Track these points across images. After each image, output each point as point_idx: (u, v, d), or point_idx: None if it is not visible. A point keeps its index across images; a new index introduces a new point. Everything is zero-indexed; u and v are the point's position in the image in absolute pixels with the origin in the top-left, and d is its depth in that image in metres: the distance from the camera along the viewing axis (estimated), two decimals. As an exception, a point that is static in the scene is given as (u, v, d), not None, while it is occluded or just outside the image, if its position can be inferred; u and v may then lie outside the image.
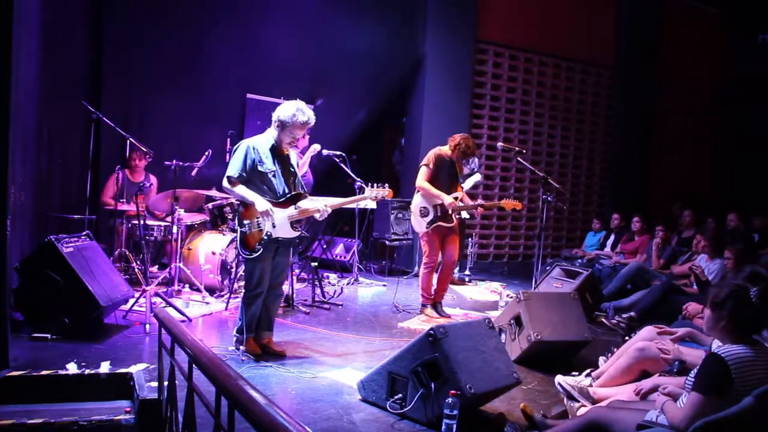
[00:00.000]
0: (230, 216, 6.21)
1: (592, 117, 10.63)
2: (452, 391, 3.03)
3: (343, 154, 7.12)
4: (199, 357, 2.04)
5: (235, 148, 4.39)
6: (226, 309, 5.60)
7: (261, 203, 4.17)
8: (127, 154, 6.42)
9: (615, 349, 3.94)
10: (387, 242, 8.11)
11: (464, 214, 7.13)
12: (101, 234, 6.39)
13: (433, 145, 5.96)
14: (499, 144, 6.56)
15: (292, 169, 4.43)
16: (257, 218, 4.21)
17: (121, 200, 6.02)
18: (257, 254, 4.22)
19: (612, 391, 3.40)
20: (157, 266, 6.60)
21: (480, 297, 7.11)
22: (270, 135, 4.35)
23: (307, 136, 7.46)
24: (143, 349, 4.41)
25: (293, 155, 4.53)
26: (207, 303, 5.73)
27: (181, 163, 5.80)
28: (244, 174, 4.22)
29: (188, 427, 2.25)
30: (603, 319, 5.95)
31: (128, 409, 2.99)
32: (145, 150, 6.20)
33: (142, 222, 5.82)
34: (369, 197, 4.70)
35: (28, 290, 4.48)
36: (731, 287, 2.71)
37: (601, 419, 2.72)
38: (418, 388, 3.32)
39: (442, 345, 3.27)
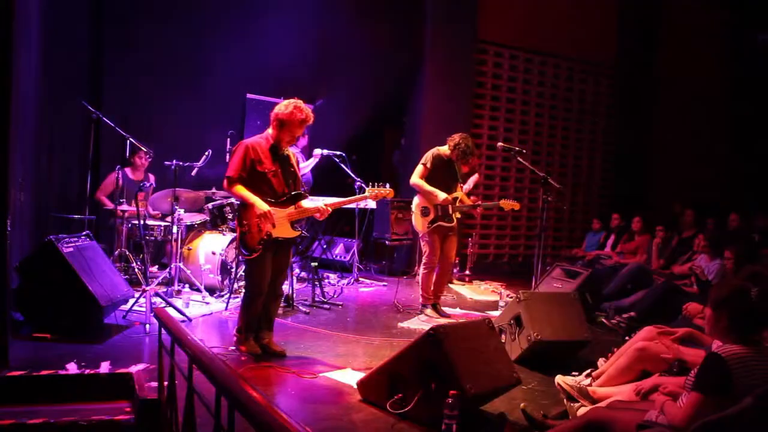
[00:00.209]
0: (230, 216, 6.22)
1: (592, 117, 10.63)
2: (452, 391, 3.03)
3: (343, 154, 7.12)
4: (199, 357, 2.04)
5: (234, 148, 4.40)
6: (226, 309, 5.60)
7: (260, 205, 4.17)
8: (128, 154, 6.41)
9: (615, 349, 3.94)
10: (387, 242, 8.11)
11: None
12: (101, 234, 6.39)
13: (433, 145, 5.96)
14: (499, 144, 6.55)
15: (291, 169, 4.43)
16: (257, 219, 4.21)
17: (121, 200, 6.02)
18: (257, 254, 4.22)
19: (612, 391, 3.40)
20: (157, 266, 6.60)
21: (480, 297, 7.11)
22: (269, 135, 4.35)
23: (307, 136, 7.48)
24: (143, 349, 4.41)
25: (293, 155, 4.52)
26: (207, 303, 5.73)
27: (181, 163, 5.80)
28: (244, 174, 4.22)
29: (188, 427, 2.25)
30: (603, 319, 5.94)
31: (128, 409, 2.99)
32: (145, 149, 6.20)
33: (142, 222, 5.81)
34: (369, 196, 4.70)
35: (28, 290, 4.48)
36: (731, 287, 2.71)
37: (600, 419, 2.71)
38: (418, 388, 3.31)
39: (442, 345, 3.27)
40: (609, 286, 6.56)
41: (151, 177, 6.66)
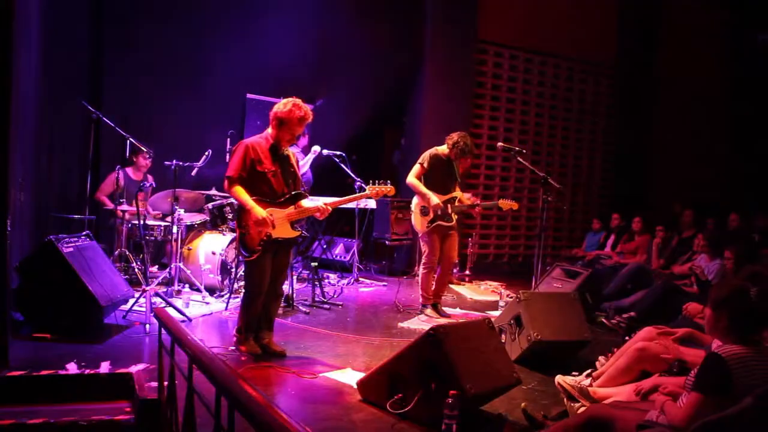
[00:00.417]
0: (230, 216, 6.22)
1: (592, 117, 10.63)
2: (452, 391, 3.03)
3: (343, 154, 7.12)
4: (199, 357, 2.04)
5: (234, 148, 4.39)
6: (226, 309, 5.60)
7: (257, 212, 4.15)
8: (128, 154, 6.42)
9: (615, 349, 3.94)
10: (387, 242, 8.11)
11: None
12: (101, 234, 6.39)
13: (432, 145, 5.96)
14: (499, 144, 6.55)
15: (291, 169, 4.42)
16: (253, 224, 4.20)
17: (121, 200, 6.03)
18: (257, 255, 4.21)
19: (612, 391, 3.40)
20: (157, 266, 6.60)
21: (480, 297, 7.12)
22: (269, 134, 4.34)
23: (307, 135, 7.47)
24: (143, 349, 4.41)
25: (293, 155, 4.52)
26: (207, 303, 5.73)
27: (181, 163, 5.80)
28: (244, 174, 4.22)
29: (188, 427, 2.25)
30: (603, 319, 5.94)
31: (128, 409, 2.99)
32: (145, 149, 6.20)
33: (142, 222, 5.82)
34: (370, 194, 4.70)
35: (28, 290, 4.48)
36: (731, 287, 2.71)
37: (602, 416, 2.71)
38: (418, 388, 3.31)
39: (442, 345, 3.27)
40: (609, 286, 6.56)
41: (150, 177, 6.66)
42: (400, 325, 5.62)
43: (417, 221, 5.85)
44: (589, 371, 3.85)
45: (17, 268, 4.45)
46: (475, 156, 8.79)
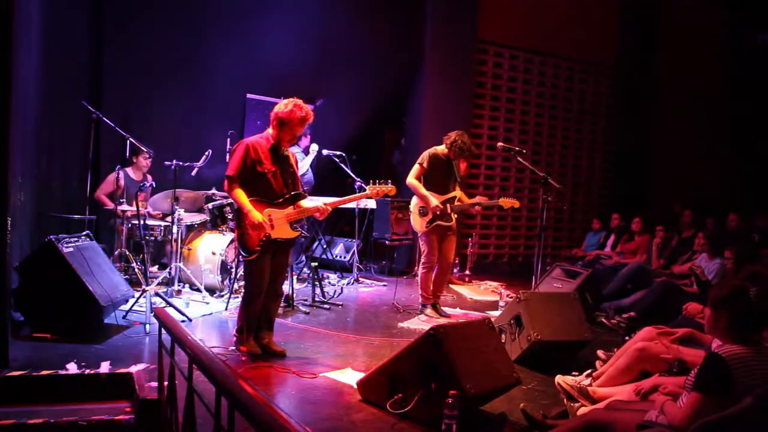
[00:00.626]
0: (230, 216, 6.22)
1: (592, 117, 10.63)
2: (452, 391, 3.03)
3: (343, 154, 7.12)
4: (199, 357, 2.04)
5: (234, 147, 4.39)
6: (226, 309, 5.60)
7: (254, 216, 4.14)
8: (128, 154, 6.41)
9: (615, 349, 3.94)
10: (387, 242, 8.11)
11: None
12: (101, 234, 6.39)
13: (432, 145, 5.95)
14: (499, 144, 6.55)
15: (291, 170, 4.42)
16: (250, 227, 4.20)
17: (121, 200, 6.02)
18: (256, 255, 4.21)
19: (612, 391, 3.40)
20: (157, 266, 6.60)
21: (480, 297, 7.12)
22: (269, 135, 4.34)
23: (309, 136, 7.47)
24: (143, 349, 4.41)
25: (292, 155, 4.52)
26: (207, 303, 5.73)
27: (181, 163, 5.80)
28: (244, 174, 4.21)
29: (188, 427, 2.25)
30: (603, 319, 5.94)
31: (128, 409, 2.99)
32: (145, 149, 6.20)
33: (142, 222, 5.82)
34: (370, 194, 4.69)
35: (28, 290, 4.48)
36: (731, 287, 2.71)
37: (600, 420, 2.71)
38: (418, 388, 3.31)
39: (442, 345, 3.27)
40: (609, 286, 6.57)
41: (149, 177, 6.66)
42: (400, 325, 5.62)
43: (416, 222, 5.85)
44: (589, 371, 3.86)
45: (17, 268, 4.45)
46: (475, 156, 8.80)
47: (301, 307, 5.83)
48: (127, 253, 6.09)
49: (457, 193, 5.83)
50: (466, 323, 4.09)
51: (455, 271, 7.97)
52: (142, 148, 6.12)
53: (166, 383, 2.70)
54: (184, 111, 7.20)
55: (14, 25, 3.64)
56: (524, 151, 6.20)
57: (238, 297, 5.43)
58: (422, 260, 5.90)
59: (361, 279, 7.63)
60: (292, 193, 4.35)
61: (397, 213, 8.08)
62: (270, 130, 4.35)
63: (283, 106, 4.25)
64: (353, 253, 7.79)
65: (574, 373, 3.89)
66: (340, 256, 8.08)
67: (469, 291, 7.54)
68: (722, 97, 10.58)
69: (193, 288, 5.96)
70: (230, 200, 6.12)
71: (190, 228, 6.41)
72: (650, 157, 10.91)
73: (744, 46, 10.59)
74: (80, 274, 4.46)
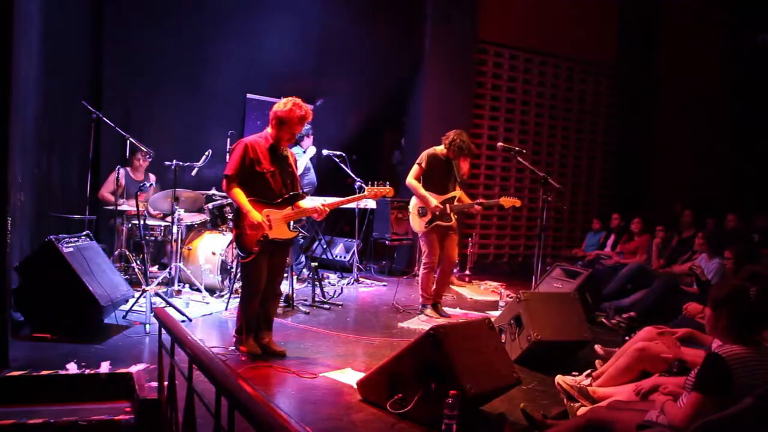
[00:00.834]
0: (230, 216, 6.22)
1: (592, 117, 10.63)
2: (452, 391, 3.03)
3: (343, 154, 7.12)
4: (199, 357, 2.04)
5: (233, 146, 4.39)
6: (226, 309, 5.60)
7: (253, 216, 4.14)
8: (128, 155, 6.41)
9: (615, 349, 3.94)
10: (387, 242, 8.11)
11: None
12: (101, 234, 6.39)
13: (432, 145, 5.96)
14: (499, 144, 6.55)
15: (290, 170, 4.41)
16: (249, 227, 4.20)
17: (122, 200, 6.02)
18: (253, 256, 4.21)
19: (612, 391, 3.40)
20: (157, 266, 6.60)
21: (480, 297, 7.12)
22: (269, 134, 4.34)
23: (312, 136, 7.46)
24: (143, 349, 4.41)
25: (291, 155, 4.51)
26: (207, 303, 5.73)
27: (181, 163, 5.80)
28: (242, 173, 4.21)
29: (188, 427, 2.25)
30: (603, 319, 5.94)
31: (128, 409, 2.99)
32: (145, 149, 6.20)
33: (142, 222, 5.82)
34: (369, 195, 4.69)
35: (28, 290, 4.48)
36: (731, 287, 2.71)
37: (600, 419, 2.71)
38: (418, 388, 3.31)
39: (442, 345, 3.27)
40: (609, 286, 6.57)
41: (152, 177, 6.66)
42: (400, 325, 5.62)
43: (415, 222, 5.85)
44: (589, 371, 3.85)
45: (17, 268, 4.45)
46: (475, 156, 8.79)
47: (301, 307, 5.83)
48: (127, 253, 6.10)
49: (457, 193, 5.83)
50: (466, 323, 4.09)
51: (455, 271, 7.97)
52: (142, 148, 6.11)
53: (166, 383, 2.70)
54: (184, 111, 7.19)
55: (14, 25, 3.64)
56: (524, 151, 6.20)
57: (238, 297, 5.42)
58: (423, 260, 5.90)
59: (361, 279, 7.62)
60: (291, 193, 4.35)
61: (397, 213, 8.08)
62: (269, 130, 4.34)
63: (282, 104, 4.25)
64: (353, 253, 7.79)
65: (574, 373, 3.89)
66: (340, 256, 8.08)
67: (469, 291, 7.54)
68: (722, 97, 10.60)
69: (193, 288, 5.96)
70: (230, 200, 6.13)
71: (190, 228, 6.41)
72: (650, 157, 10.91)
73: (744, 46, 10.61)
74: (80, 274, 4.46)
